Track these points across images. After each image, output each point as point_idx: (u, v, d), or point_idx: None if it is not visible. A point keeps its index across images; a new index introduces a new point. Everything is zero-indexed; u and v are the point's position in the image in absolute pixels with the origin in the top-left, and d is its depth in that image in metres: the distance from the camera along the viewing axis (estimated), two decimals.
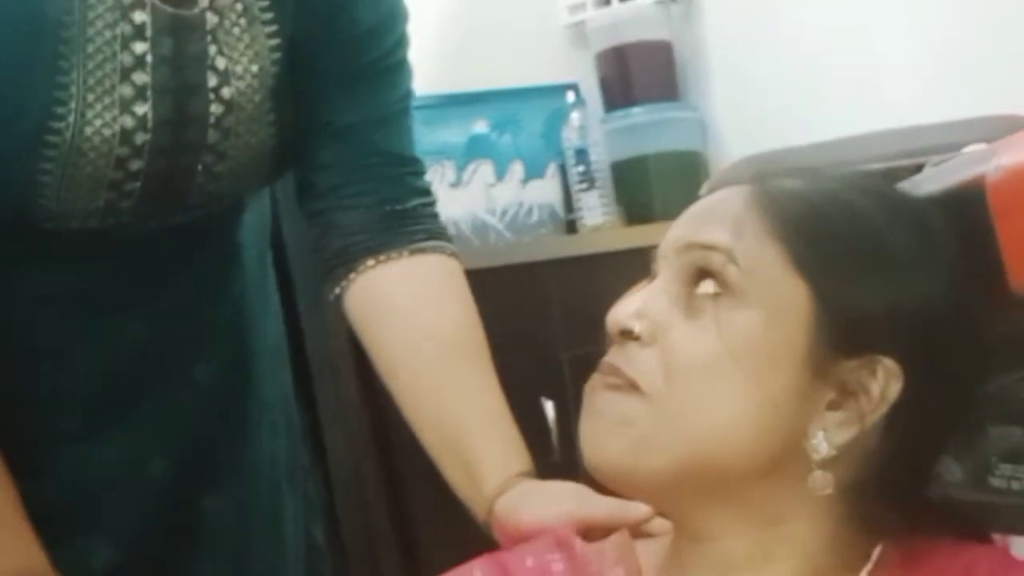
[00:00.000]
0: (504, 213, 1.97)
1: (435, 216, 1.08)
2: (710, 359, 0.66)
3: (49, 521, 0.99)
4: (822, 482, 0.66)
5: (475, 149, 1.97)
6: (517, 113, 2.01)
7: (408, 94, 1.09)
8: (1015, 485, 0.83)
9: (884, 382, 0.66)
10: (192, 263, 1.09)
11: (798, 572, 0.69)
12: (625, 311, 0.69)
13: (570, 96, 2.01)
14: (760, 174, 0.72)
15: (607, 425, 0.68)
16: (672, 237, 0.71)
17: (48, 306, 1.03)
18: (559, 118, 1.99)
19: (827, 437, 0.66)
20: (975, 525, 0.74)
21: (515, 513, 0.90)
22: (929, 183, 0.73)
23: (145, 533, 1.08)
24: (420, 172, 1.09)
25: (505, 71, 2.03)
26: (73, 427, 1.05)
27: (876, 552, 0.70)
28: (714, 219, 0.69)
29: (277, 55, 1.00)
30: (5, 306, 1.02)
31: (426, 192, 1.09)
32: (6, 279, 1.01)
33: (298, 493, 1.22)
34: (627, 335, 0.69)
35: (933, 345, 0.67)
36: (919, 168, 0.88)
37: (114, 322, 1.05)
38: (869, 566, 0.69)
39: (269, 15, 0.99)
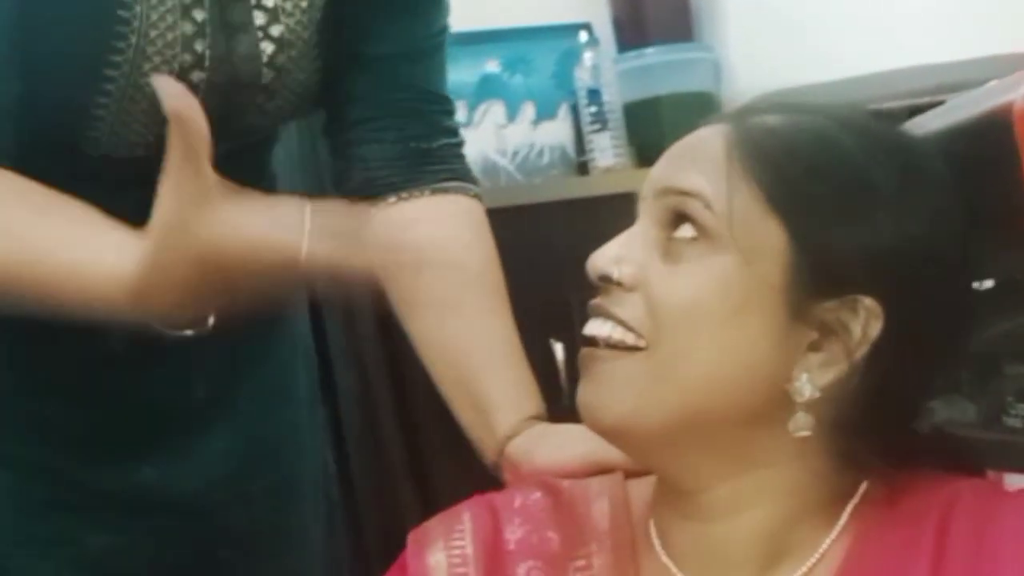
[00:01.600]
0: (515, 154, 1.95)
1: (461, 156, 1.08)
2: (691, 305, 0.66)
3: (95, 438, 1.00)
4: (803, 423, 0.66)
5: (486, 89, 1.95)
6: (529, 53, 1.99)
7: (444, 30, 1.08)
8: None
9: (865, 321, 0.66)
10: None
11: (784, 512, 0.69)
12: (605, 256, 0.69)
13: (583, 36, 1.99)
14: (742, 111, 0.71)
15: (604, 388, 0.69)
16: (651, 179, 0.71)
17: None
18: (571, 58, 1.97)
19: (810, 379, 0.66)
20: (966, 461, 0.74)
21: (528, 456, 0.90)
22: (952, 113, 0.71)
23: (187, 464, 1.08)
24: (450, 111, 1.09)
25: (517, 10, 2.01)
26: (118, 353, 1.05)
27: (862, 488, 0.70)
28: (692, 162, 0.69)
29: None
30: None
31: (454, 132, 1.08)
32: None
33: (316, 420, 1.23)
34: (607, 280, 0.69)
35: (914, 284, 0.67)
36: (940, 105, 0.86)
37: None
38: (855, 500, 0.70)
39: None
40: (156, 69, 0.92)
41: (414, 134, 1.04)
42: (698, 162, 0.68)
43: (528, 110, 1.98)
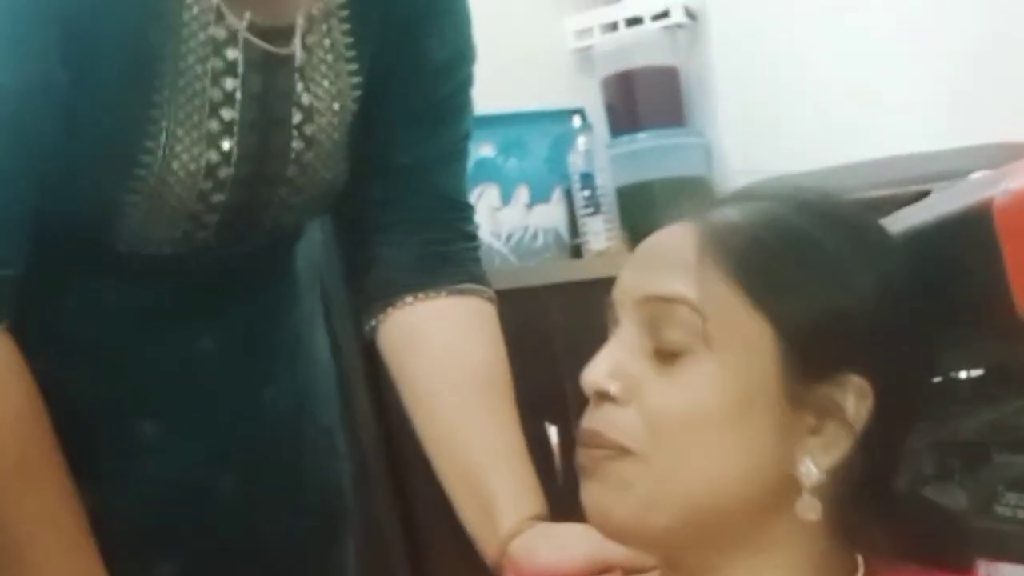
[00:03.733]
0: (509, 237, 1.97)
1: (477, 260, 1.10)
2: (690, 413, 0.66)
3: (117, 529, 1.00)
4: (810, 505, 0.67)
5: (481, 172, 1.97)
6: (523, 137, 2.01)
7: (467, 135, 1.10)
8: (1020, 514, 0.82)
9: (856, 398, 0.67)
10: (255, 287, 1.11)
11: None
12: (598, 372, 0.69)
13: (576, 121, 2.01)
14: (702, 207, 0.71)
15: (607, 490, 0.69)
16: (628, 286, 0.71)
17: (124, 317, 1.05)
18: (565, 142, 1.99)
19: (815, 462, 0.66)
20: (957, 550, 0.74)
21: (530, 556, 0.90)
22: (936, 206, 0.72)
23: (208, 548, 1.09)
24: (469, 217, 1.11)
25: (512, 95, 2.03)
26: (149, 434, 1.07)
27: (860, 566, 0.70)
28: (668, 266, 0.69)
29: (358, 93, 1.01)
30: (84, 316, 1.04)
31: (472, 236, 1.10)
32: (83, 290, 1.03)
33: (354, 514, 1.23)
34: (604, 396, 0.69)
35: (891, 355, 0.68)
36: (926, 195, 0.88)
37: (184, 335, 1.07)
38: None
39: (352, 52, 1.00)
40: (184, 167, 0.93)
41: (434, 239, 1.06)
42: (673, 266, 0.68)
43: (522, 193, 2.00)
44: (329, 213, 1.13)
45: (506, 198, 1.98)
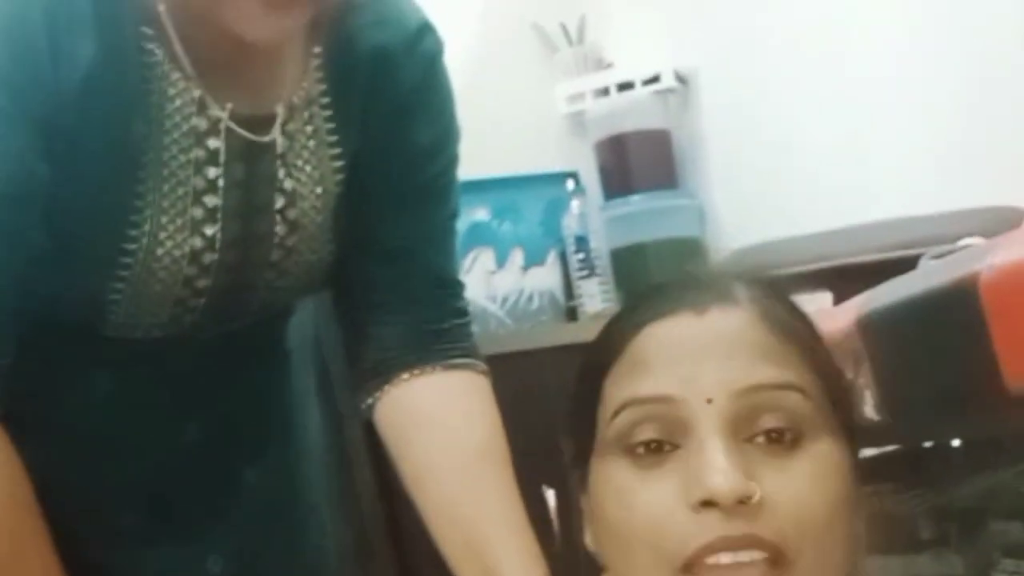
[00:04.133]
0: (505, 300, 1.97)
1: (470, 335, 1.11)
2: (830, 506, 0.64)
3: None
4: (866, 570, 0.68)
5: (476, 237, 1.98)
6: (517, 201, 2.03)
7: (455, 213, 1.11)
8: None
9: None
10: (246, 366, 1.11)
11: None
12: (734, 477, 0.62)
13: (570, 184, 2.03)
14: (750, 294, 0.69)
15: None
16: (713, 379, 0.65)
17: (108, 407, 1.05)
18: (559, 206, 2.01)
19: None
20: None
21: None
22: (923, 279, 0.73)
23: None
24: (459, 294, 1.12)
25: (505, 159, 2.05)
26: (131, 528, 1.07)
27: None
28: (750, 353, 0.66)
29: (340, 176, 1.02)
30: (68, 407, 1.04)
31: (464, 313, 1.11)
32: (70, 380, 1.03)
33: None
34: (747, 500, 0.62)
35: None
36: (916, 259, 0.88)
37: (171, 424, 1.07)
38: None
39: (334, 138, 1.01)
40: (168, 254, 0.94)
41: (427, 317, 1.07)
42: (760, 352, 0.65)
43: (517, 256, 2.01)
44: (317, 292, 1.13)
45: (501, 261, 1.99)
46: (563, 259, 2.01)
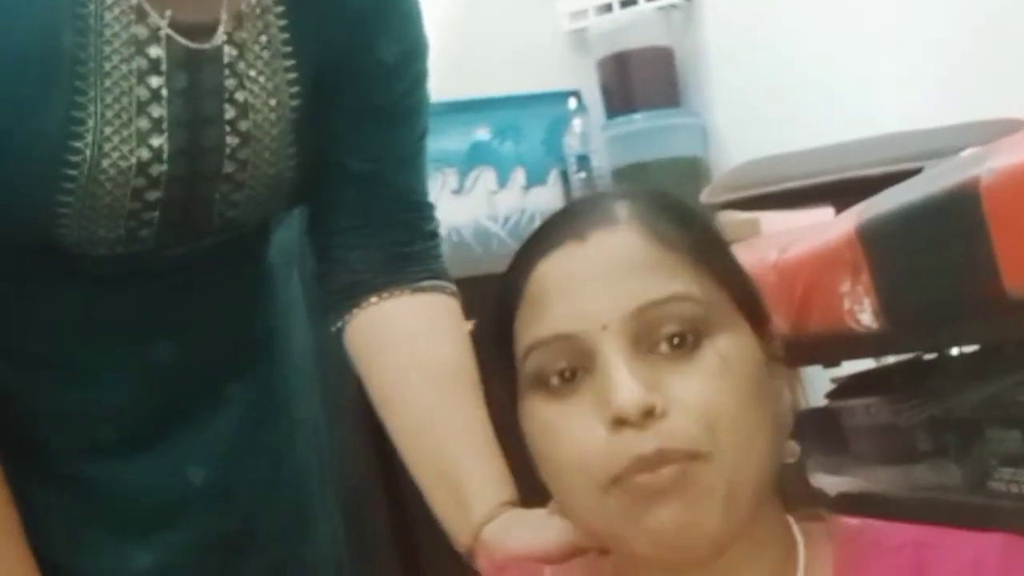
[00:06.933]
0: (506, 220, 1.97)
1: (439, 257, 1.10)
2: (735, 398, 0.66)
3: (90, 526, 1.01)
4: (793, 448, 0.69)
5: (477, 156, 1.97)
6: (519, 120, 2.01)
7: (425, 133, 1.10)
8: (1014, 488, 0.83)
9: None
10: (223, 285, 1.10)
11: (767, 565, 0.70)
12: (636, 392, 0.65)
13: (572, 103, 2.01)
14: (631, 211, 0.71)
15: (691, 505, 0.65)
16: (604, 308, 0.67)
17: (83, 325, 1.05)
18: (561, 125, 2.00)
19: (789, 400, 0.70)
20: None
21: (503, 540, 0.90)
22: (924, 185, 0.73)
23: (184, 541, 1.10)
24: (430, 216, 1.11)
25: (507, 78, 2.03)
26: (109, 441, 1.07)
27: (793, 522, 0.71)
28: (639, 272, 0.68)
29: (296, 89, 1.01)
30: (39, 326, 1.04)
31: (433, 235, 1.11)
32: (40, 300, 1.03)
33: (328, 506, 1.24)
34: (651, 413, 0.65)
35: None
36: (918, 172, 0.88)
37: (146, 342, 1.07)
38: (801, 544, 0.71)
39: (289, 48, 1.00)
40: (114, 165, 0.94)
41: (397, 240, 1.06)
42: (647, 269, 0.68)
43: (519, 176, 2.00)
44: (287, 209, 1.13)
45: (503, 181, 1.99)
46: (565, 178, 2.00)
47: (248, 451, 1.13)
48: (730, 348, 0.67)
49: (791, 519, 0.72)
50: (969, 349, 0.92)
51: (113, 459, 1.06)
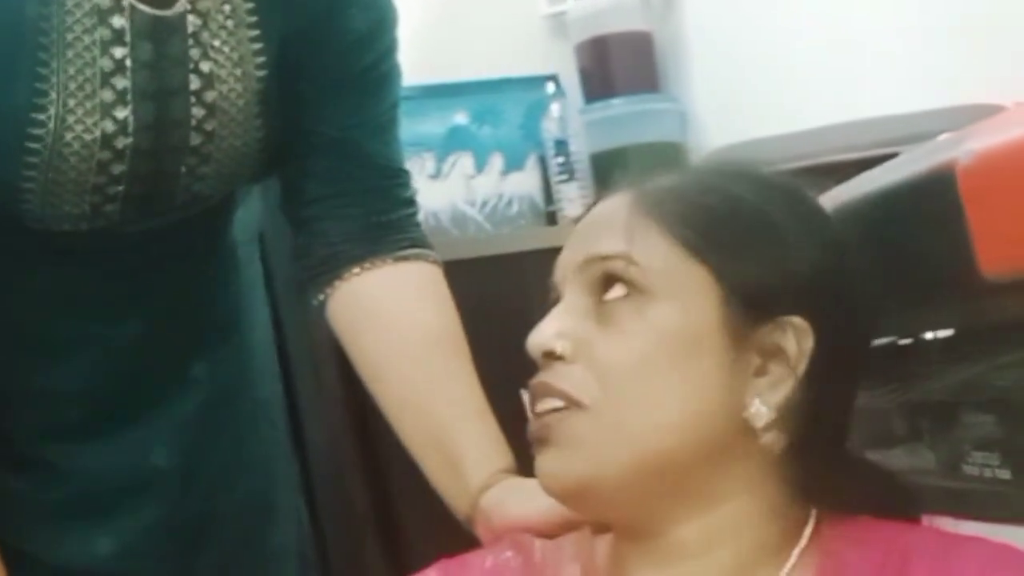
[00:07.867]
0: (484, 204, 1.96)
1: (418, 225, 1.10)
2: (637, 360, 0.68)
3: (50, 511, 1.01)
4: (775, 439, 0.69)
5: (455, 140, 1.96)
6: (497, 104, 2.00)
7: (397, 102, 1.09)
8: (987, 473, 0.83)
9: (797, 338, 0.69)
10: (188, 261, 1.10)
11: (742, 551, 0.70)
12: (545, 333, 0.71)
13: (550, 87, 2.01)
14: (635, 181, 0.75)
15: (559, 453, 0.70)
16: (568, 258, 0.74)
17: (48, 303, 1.04)
18: (539, 109, 1.99)
19: (763, 401, 0.69)
20: (913, 507, 0.76)
21: (501, 508, 0.90)
22: (901, 168, 0.73)
23: (146, 525, 1.09)
24: (406, 183, 1.10)
25: (485, 62, 2.02)
26: (74, 423, 1.06)
27: (811, 518, 0.72)
28: (604, 231, 0.72)
29: (261, 59, 1.00)
30: (7, 303, 1.03)
31: (411, 202, 1.10)
32: (4, 276, 1.02)
33: (291, 487, 1.23)
34: (551, 356, 0.71)
35: (828, 300, 0.71)
36: (895, 157, 0.88)
37: (112, 320, 1.06)
38: (804, 540, 0.71)
39: (254, 18, 0.99)
40: (78, 138, 0.92)
41: (374, 209, 1.05)
42: (610, 229, 0.71)
43: (496, 161, 1.99)
44: (254, 182, 1.12)
45: (480, 166, 1.98)
46: (543, 163, 2.00)
47: (212, 432, 1.12)
48: (665, 318, 0.68)
49: (813, 511, 0.72)
50: (944, 333, 0.93)
51: (75, 442, 1.06)
